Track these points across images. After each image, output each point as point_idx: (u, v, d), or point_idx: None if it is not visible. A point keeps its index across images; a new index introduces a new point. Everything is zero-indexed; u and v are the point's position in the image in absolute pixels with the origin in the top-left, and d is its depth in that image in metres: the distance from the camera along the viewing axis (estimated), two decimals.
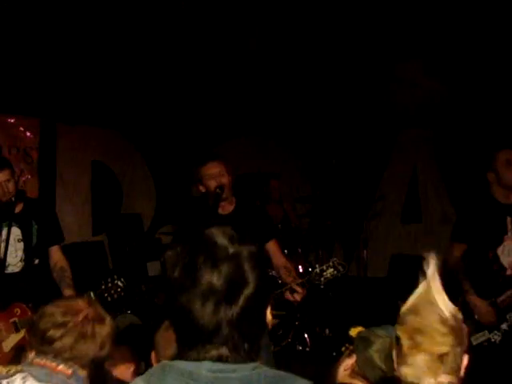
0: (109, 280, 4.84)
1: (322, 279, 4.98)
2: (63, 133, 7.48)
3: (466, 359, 2.12)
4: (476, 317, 4.60)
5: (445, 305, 2.05)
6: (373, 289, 7.85)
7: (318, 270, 5.01)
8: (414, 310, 2.05)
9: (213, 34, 5.92)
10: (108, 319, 2.58)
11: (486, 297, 4.70)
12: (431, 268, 2.07)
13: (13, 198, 4.73)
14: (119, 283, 4.84)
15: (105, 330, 2.51)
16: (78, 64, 6.19)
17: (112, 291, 4.82)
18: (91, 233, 7.94)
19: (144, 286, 7.63)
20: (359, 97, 7.58)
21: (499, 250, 4.84)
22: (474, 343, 4.45)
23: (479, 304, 4.64)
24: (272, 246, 5.00)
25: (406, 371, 2.05)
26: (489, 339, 4.55)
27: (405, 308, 2.08)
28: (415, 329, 2.04)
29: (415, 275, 5.59)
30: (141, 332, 6.91)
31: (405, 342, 2.06)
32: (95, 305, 2.65)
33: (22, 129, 6.99)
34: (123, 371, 3.46)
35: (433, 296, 2.06)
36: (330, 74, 6.99)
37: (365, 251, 7.39)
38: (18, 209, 4.88)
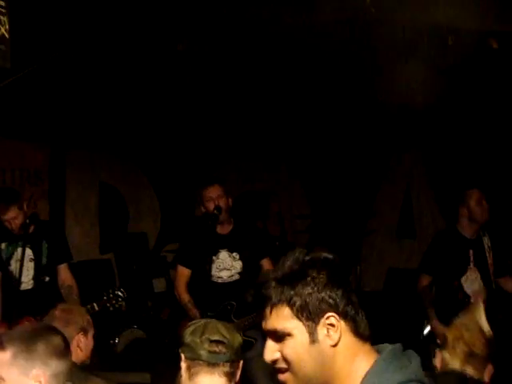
0: (110, 291, 5.15)
1: None
2: (72, 157, 7.76)
3: (491, 367, 2.89)
4: (437, 341, 5.04)
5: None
6: (369, 302, 8.09)
7: None
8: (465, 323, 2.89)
9: (213, 62, 6.14)
10: None
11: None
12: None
13: (27, 221, 5.08)
14: (119, 293, 5.15)
15: None
16: (85, 93, 6.42)
17: (113, 301, 5.13)
18: (99, 251, 8.17)
19: (150, 301, 7.88)
20: (354, 118, 7.81)
21: (463, 280, 5.38)
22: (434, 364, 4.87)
23: (439, 329, 5.13)
24: (265, 264, 5.31)
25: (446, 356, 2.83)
26: None
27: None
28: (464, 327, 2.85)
29: (410, 288, 5.90)
30: (146, 346, 7.19)
31: (450, 335, 2.86)
32: None
33: (33, 153, 7.29)
34: None
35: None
36: (326, 96, 7.17)
37: (358, 266, 7.65)
38: (29, 230, 5.24)
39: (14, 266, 5.33)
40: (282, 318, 1.72)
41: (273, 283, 1.74)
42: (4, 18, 2.02)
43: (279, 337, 1.72)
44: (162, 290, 8.16)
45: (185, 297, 5.24)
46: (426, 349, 5.19)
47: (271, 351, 1.74)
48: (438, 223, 8.24)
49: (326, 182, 9.07)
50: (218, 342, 2.65)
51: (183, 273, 5.32)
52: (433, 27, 5.08)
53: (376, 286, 8.65)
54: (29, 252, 5.24)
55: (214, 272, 5.16)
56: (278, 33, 5.49)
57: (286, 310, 1.71)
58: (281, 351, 1.72)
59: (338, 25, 5.38)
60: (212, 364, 2.63)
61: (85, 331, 3.56)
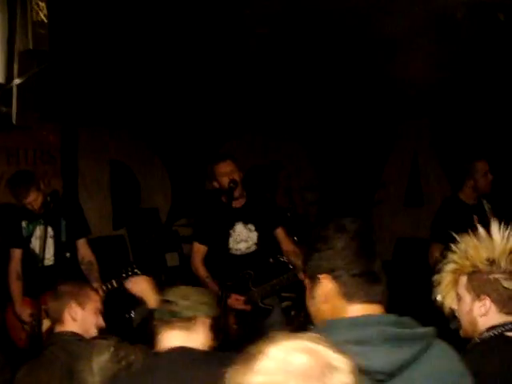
0: (129, 269, 5.29)
1: None
2: (83, 135, 7.84)
3: None
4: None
5: None
6: None
7: None
8: None
9: (218, 37, 6.17)
10: None
11: None
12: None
13: (48, 198, 5.19)
14: (138, 272, 5.30)
15: None
16: (95, 72, 6.47)
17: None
18: (112, 227, 8.26)
19: (163, 276, 8.02)
20: (361, 89, 7.85)
21: None
22: (453, 328, 4.98)
23: None
24: (280, 233, 5.45)
25: None
26: None
27: None
28: None
29: (418, 257, 6.03)
30: None
31: None
32: None
33: (45, 133, 7.37)
34: None
35: None
36: (332, 67, 7.19)
37: None
38: (50, 208, 5.35)
39: (34, 243, 5.49)
40: (306, 275, 2.05)
41: (309, 240, 2.06)
42: (42, 4, 2.12)
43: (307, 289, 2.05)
44: (175, 264, 8.29)
45: (202, 272, 5.38)
46: (441, 315, 5.32)
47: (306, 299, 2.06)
48: (445, 191, 8.33)
49: (333, 153, 9.15)
50: (166, 302, 2.97)
51: (199, 249, 5.46)
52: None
53: (385, 255, 8.76)
54: (49, 229, 5.36)
55: (232, 245, 5.29)
56: (288, 11, 5.53)
57: (304, 266, 2.06)
58: None
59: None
60: (166, 321, 2.92)
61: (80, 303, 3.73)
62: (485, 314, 2.71)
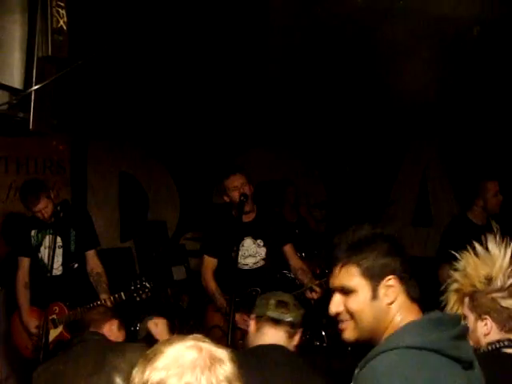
0: (137, 282, 5.25)
1: None
2: (93, 147, 7.87)
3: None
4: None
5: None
6: None
7: None
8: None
9: (229, 55, 6.17)
10: None
11: None
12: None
13: (58, 208, 5.19)
14: (147, 284, 5.26)
15: None
16: (106, 85, 6.47)
17: (140, 292, 5.24)
18: (119, 239, 8.27)
19: (169, 289, 7.96)
20: (371, 107, 7.84)
21: None
22: None
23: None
24: (288, 250, 5.40)
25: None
26: None
27: None
28: None
29: (425, 275, 5.98)
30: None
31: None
32: None
33: (55, 143, 7.41)
34: None
35: None
36: (343, 86, 7.19)
37: None
38: (60, 217, 5.34)
39: (42, 252, 5.48)
40: (349, 276, 2.08)
41: (344, 246, 2.10)
42: (63, 11, 2.14)
43: (345, 292, 2.09)
44: (182, 277, 8.25)
45: (212, 286, 5.31)
46: None
47: (337, 304, 2.11)
48: (454, 211, 8.30)
49: (343, 171, 9.13)
50: (282, 303, 3.13)
51: (210, 262, 5.39)
52: (451, 18, 5.13)
53: None
54: (57, 239, 5.34)
55: (240, 259, 5.23)
56: (294, 23, 5.53)
57: (353, 270, 2.08)
58: (345, 304, 2.09)
59: (351, 15, 5.41)
60: (276, 320, 3.08)
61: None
62: (487, 334, 2.77)
